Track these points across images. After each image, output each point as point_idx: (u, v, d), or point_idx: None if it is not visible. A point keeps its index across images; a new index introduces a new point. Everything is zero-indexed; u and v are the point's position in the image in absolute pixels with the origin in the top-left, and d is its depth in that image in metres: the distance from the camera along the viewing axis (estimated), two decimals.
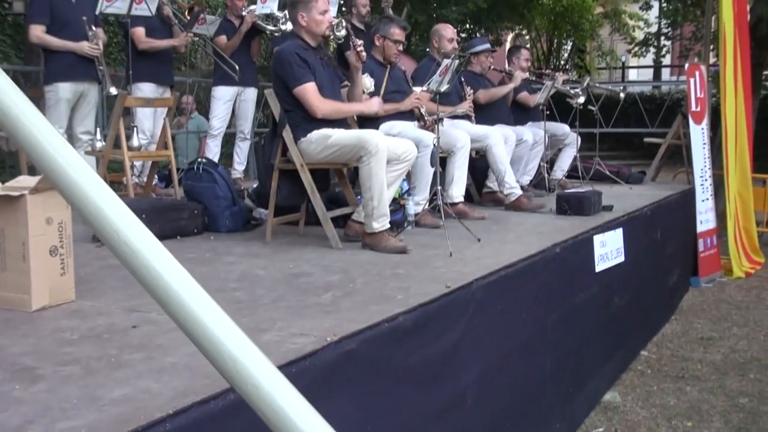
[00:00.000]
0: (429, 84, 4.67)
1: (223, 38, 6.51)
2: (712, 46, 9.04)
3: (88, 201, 0.65)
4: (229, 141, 7.70)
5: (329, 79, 4.25)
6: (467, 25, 16.69)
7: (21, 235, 2.61)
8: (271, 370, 0.77)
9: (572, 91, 7.39)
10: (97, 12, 5.38)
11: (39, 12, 5.39)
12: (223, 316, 0.73)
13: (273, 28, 6.51)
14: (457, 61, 4.63)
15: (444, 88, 4.61)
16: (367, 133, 3.99)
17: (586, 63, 19.89)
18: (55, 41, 5.35)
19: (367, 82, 4.61)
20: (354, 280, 3.23)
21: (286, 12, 6.34)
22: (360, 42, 4.26)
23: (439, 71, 4.58)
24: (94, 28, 5.43)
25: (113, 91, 5.27)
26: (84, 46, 5.38)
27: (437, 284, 3.03)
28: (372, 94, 4.72)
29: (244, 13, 6.51)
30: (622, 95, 8.36)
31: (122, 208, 0.67)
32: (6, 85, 0.72)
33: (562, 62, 19.26)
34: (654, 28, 15.30)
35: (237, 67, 6.25)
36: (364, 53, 4.24)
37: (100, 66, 5.42)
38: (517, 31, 19.34)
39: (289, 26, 6.34)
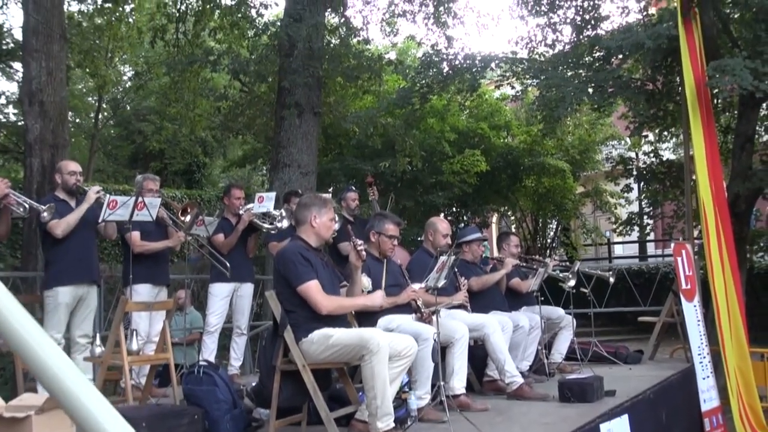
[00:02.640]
0: (427, 281, 4.77)
1: (220, 236, 6.66)
2: (695, 223, 9.28)
3: None
4: (222, 334, 7.67)
5: (329, 279, 4.35)
6: (453, 209, 17.15)
7: None
8: None
9: (562, 275, 7.53)
10: (100, 220, 5.54)
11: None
12: None
13: (269, 226, 6.69)
14: (453, 257, 4.76)
15: (441, 283, 4.71)
16: (368, 332, 4.03)
17: (572, 240, 20.27)
18: (63, 224, 5.41)
19: (365, 281, 4.70)
20: None
21: (282, 210, 6.60)
22: (360, 242, 4.39)
23: (436, 268, 4.69)
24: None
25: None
26: (91, 193, 5.50)
27: None
28: (369, 294, 4.81)
29: (241, 212, 6.69)
30: (611, 279, 8.43)
31: None
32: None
33: (549, 240, 19.61)
34: (635, 206, 15.72)
35: (228, 265, 6.36)
36: (364, 253, 4.36)
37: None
38: (502, 212, 19.83)
39: (284, 224, 6.54)
